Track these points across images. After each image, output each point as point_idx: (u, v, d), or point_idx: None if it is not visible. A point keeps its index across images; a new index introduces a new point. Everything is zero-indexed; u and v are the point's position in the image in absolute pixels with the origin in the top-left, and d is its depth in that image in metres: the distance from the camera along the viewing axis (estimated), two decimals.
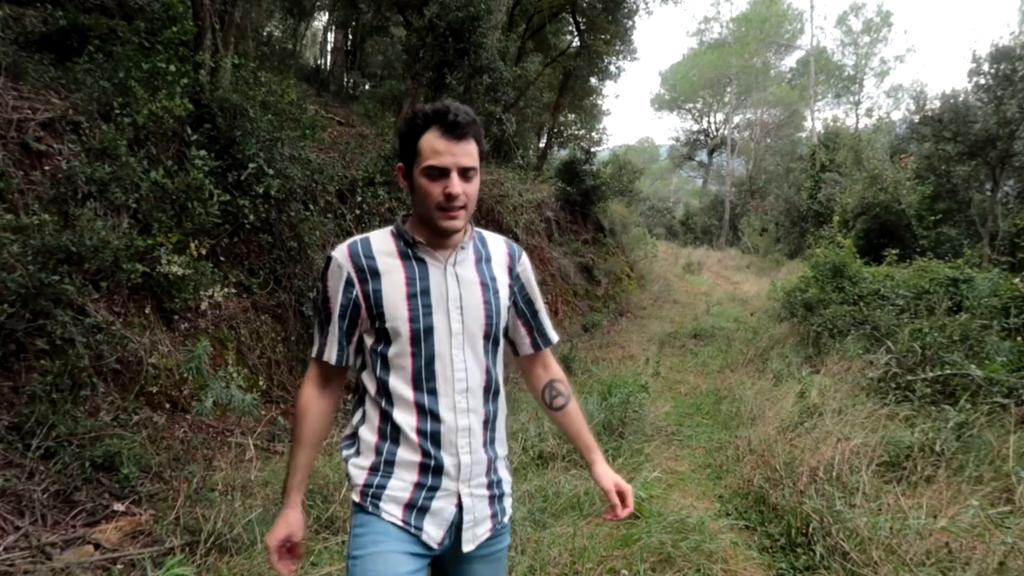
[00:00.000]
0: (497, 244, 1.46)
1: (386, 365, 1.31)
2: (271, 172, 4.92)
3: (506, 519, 1.43)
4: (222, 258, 4.79)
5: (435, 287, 1.31)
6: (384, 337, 1.30)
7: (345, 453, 1.38)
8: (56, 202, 3.76)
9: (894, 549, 2.79)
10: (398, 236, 1.35)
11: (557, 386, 1.52)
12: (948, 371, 4.94)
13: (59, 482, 2.94)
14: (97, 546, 2.70)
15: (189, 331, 4.31)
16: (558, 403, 1.52)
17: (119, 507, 2.99)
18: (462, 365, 1.32)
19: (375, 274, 1.30)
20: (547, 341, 1.52)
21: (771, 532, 3.26)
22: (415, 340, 1.29)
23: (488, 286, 1.37)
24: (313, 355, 1.37)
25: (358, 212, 6.32)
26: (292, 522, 1.36)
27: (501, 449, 1.42)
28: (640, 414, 4.91)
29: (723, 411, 5.60)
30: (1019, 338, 5.55)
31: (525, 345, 1.52)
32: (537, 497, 3.43)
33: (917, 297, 7.08)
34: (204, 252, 4.57)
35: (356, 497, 1.33)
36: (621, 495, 1.48)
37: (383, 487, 1.31)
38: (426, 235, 1.33)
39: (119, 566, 2.61)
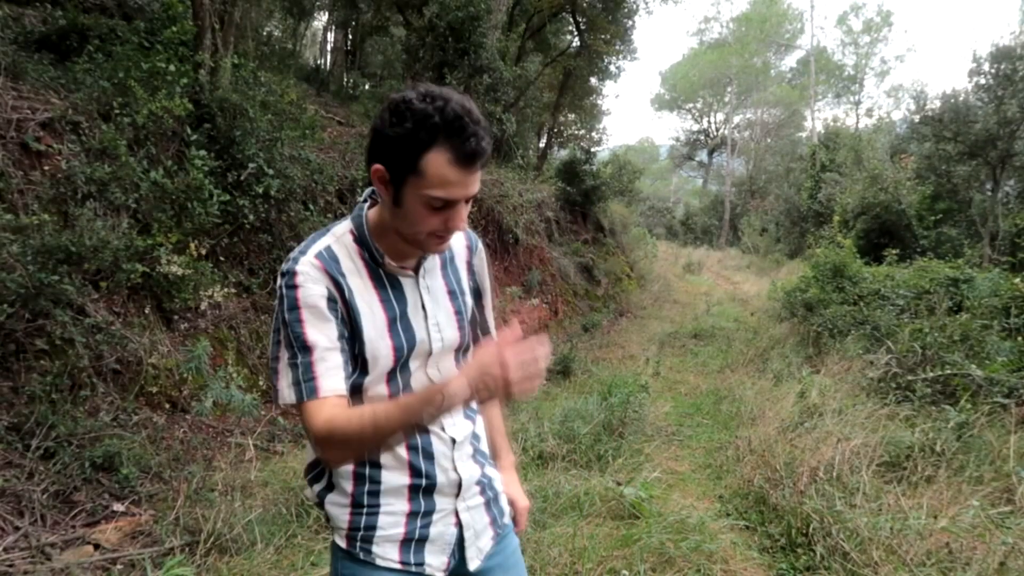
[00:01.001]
0: (457, 236, 1.26)
1: (357, 391, 1.12)
2: (271, 172, 4.92)
3: (506, 519, 1.33)
4: (222, 258, 4.79)
5: (411, 307, 1.15)
6: (362, 366, 1.12)
7: (316, 489, 1.18)
8: (56, 202, 3.76)
9: (894, 549, 2.78)
10: (361, 244, 1.13)
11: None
12: (948, 371, 4.94)
13: (59, 482, 2.94)
14: (97, 546, 2.70)
15: (189, 331, 4.31)
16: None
17: (119, 507, 2.99)
18: (440, 381, 1.16)
19: (351, 293, 1.09)
20: (488, 335, 1.41)
21: (771, 532, 3.25)
22: (394, 368, 1.14)
23: (455, 292, 1.24)
24: (295, 399, 1.04)
25: None
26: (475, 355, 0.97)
27: (487, 450, 1.33)
28: (640, 414, 4.91)
29: (723, 411, 5.60)
30: (1019, 338, 5.55)
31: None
32: (537, 497, 3.43)
33: (917, 297, 7.08)
34: (204, 252, 4.57)
35: (342, 543, 1.15)
36: (515, 513, 1.38)
37: (373, 527, 1.13)
38: (394, 248, 1.14)
39: (119, 566, 2.61)
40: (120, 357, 3.67)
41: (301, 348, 1.04)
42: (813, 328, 7.39)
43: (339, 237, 1.13)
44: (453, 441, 1.19)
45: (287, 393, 1.05)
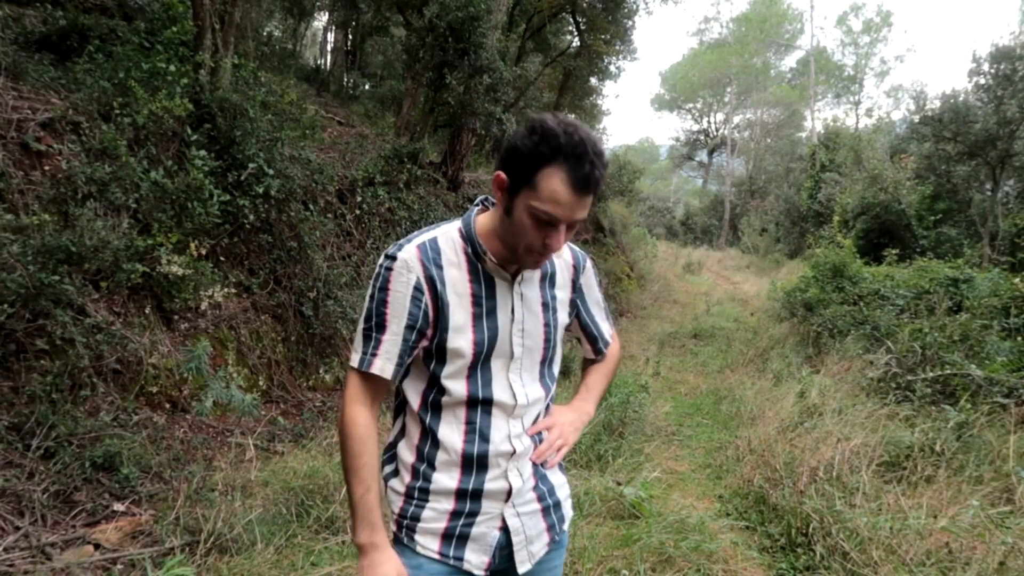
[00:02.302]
0: (563, 254, 1.34)
1: (436, 383, 1.20)
2: (271, 172, 4.92)
3: (565, 526, 1.34)
4: (222, 258, 4.79)
5: (501, 308, 1.21)
6: (440, 356, 1.19)
7: (386, 470, 1.29)
8: (56, 202, 3.76)
9: (894, 549, 2.79)
10: (467, 241, 1.21)
11: (597, 357, 1.50)
12: (948, 371, 4.94)
13: (59, 482, 2.94)
14: (97, 546, 2.70)
15: (189, 331, 4.31)
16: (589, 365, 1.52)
17: (119, 507, 2.99)
18: (521, 389, 1.24)
19: (443, 284, 1.18)
20: (606, 344, 1.48)
21: (771, 532, 3.26)
22: (474, 364, 1.19)
23: (549, 306, 1.28)
24: (356, 365, 1.19)
25: (358, 212, 6.32)
26: (397, 560, 1.18)
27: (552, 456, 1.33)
28: (640, 414, 4.91)
29: (723, 411, 5.60)
30: (1019, 338, 5.55)
31: (587, 351, 1.49)
32: None
33: (917, 297, 7.08)
34: (204, 252, 4.57)
35: (392, 526, 1.26)
36: (551, 433, 1.30)
37: (417, 518, 1.22)
38: (499, 251, 1.20)
39: (119, 566, 2.61)
40: (120, 357, 3.67)
41: (378, 326, 1.18)
42: (813, 328, 7.39)
43: (446, 232, 1.23)
44: (512, 453, 1.23)
45: (353, 356, 1.20)
